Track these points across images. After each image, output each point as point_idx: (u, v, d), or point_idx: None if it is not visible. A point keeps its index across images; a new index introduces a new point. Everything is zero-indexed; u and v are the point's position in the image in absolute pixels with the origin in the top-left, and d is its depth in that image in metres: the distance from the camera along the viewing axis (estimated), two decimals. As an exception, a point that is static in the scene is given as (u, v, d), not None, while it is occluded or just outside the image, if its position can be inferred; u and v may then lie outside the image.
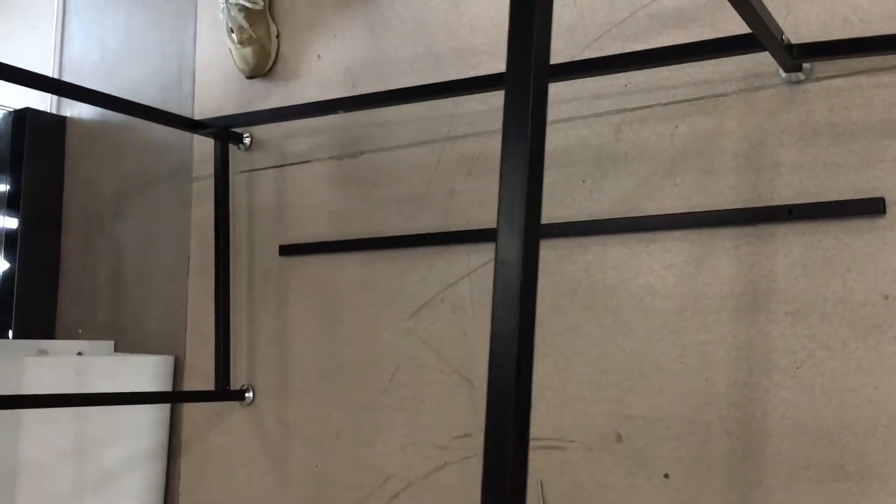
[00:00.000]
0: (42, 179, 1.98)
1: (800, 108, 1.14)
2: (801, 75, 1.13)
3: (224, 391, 1.59)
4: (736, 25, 1.08)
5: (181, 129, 1.64)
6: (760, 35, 1.02)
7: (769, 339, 1.14)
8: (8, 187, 1.96)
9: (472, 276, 1.41)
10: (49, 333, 1.96)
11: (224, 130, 1.64)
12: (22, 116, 1.97)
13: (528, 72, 0.50)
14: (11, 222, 1.95)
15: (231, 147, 1.69)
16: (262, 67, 1.66)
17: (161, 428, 1.71)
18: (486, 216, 1.40)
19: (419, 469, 1.42)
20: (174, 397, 1.64)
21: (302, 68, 1.66)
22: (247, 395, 1.62)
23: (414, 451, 1.43)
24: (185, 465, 1.72)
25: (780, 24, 1.09)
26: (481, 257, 1.40)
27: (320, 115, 1.55)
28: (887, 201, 1.06)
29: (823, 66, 1.12)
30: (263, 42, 1.65)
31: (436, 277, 1.45)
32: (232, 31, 1.65)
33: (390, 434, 1.46)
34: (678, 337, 1.20)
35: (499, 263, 0.51)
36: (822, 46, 1.09)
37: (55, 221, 1.99)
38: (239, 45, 1.65)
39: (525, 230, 0.50)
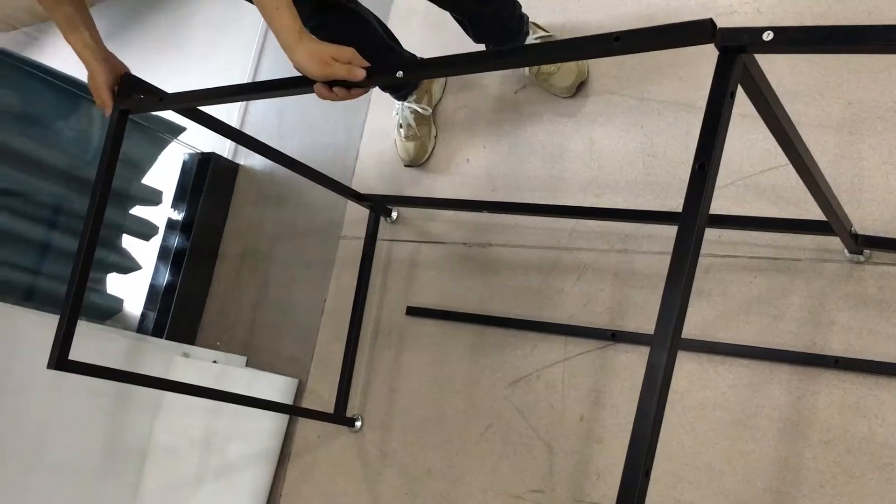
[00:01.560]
0: (212, 213, 2.37)
1: (856, 283, 1.45)
2: (861, 258, 1.45)
3: (340, 416, 1.91)
4: (816, 208, 1.40)
5: (346, 198, 2.00)
6: (833, 224, 1.34)
7: (803, 459, 1.43)
8: (185, 214, 2.35)
9: (566, 362, 1.72)
10: (191, 341, 2.31)
11: (380, 204, 2.00)
12: (207, 159, 2.38)
13: (697, 240, 0.83)
14: (182, 242, 2.34)
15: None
16: (420, 159, 2.04)
17: (277, 437, 2.04)
18: (586, 316, 1.72)
19: (495, 512, 1.71)
20: (298, 411, 1.97)
21: (452, 167, 2.02)
22: (356, 423, 1.94)
23: (493, 495, 1.73)
24: (291, 473, 2.04)
25: (851, 214, 1.41)
26: (576, 349, 1.72)
27: (466, 211, 1.90)
28: (913, 369, 1.36)
29: (880, 255, 1.44)
30: (424, 140, 2.02)
31: (535, 358, 1.77)
32: (401, 127, 2.03)
33: (475, 478, 1.76)
34: (730, 443, 1.50)
35: (649, 366, 0.83)
36: (880, 241, 1.40)
37: (214, 249, 2.37)
38: (404, 139, 2.03)
39: (669, 348, 0.83)
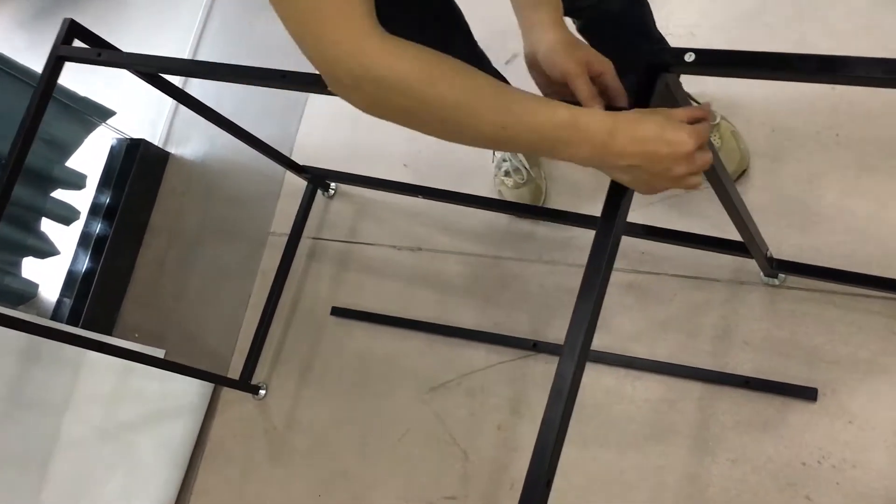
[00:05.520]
0: (138, 201, 2.30)
1: (770, 306, 1.49)
2: (776, 281, 1.48)
3: (245, 383, 1.88)
4: (737, 231, 1.43)
5: (283, 167, 1.92)
6: (751, 247, 1.37)
7: (710, 476, 1.45)
8: (109, 200, 2.28)
9: (487, 370, 1.73)
10: (108, 331, 2.25)
11: (317, 178, 1.96)
12: (136, 145, 2.32)
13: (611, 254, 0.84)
14: (105, 229, 2.27)
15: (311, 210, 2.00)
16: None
17: (191, 435, 1.99)
18: (510, 325, 1.73)
19: (407, 517, 1.70)
20: (197, 374, 1.84)
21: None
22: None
23: (407, 500, 1.71)
24: (204, 471, 2.00)
25: (769, 240, 1.45)
26: (499, 357, 1.72)
27: (402, 194, 1.84)
28: (819, 393, 1.40)
29: (794, 279, 1.48)
30: (539, 181, 1.78)
31: (457, 364, 1.76)
32: (507, 175, 1.76)
33: (390, 482, 1.75)
34: (641, 458, 1.52)
35: (557, 377, 0.84)
36: (794, 266, 1.44)
37: (138, 238, 2.31)
38: (513, 188, 1.76)
39: (577, 360, 0.83)
